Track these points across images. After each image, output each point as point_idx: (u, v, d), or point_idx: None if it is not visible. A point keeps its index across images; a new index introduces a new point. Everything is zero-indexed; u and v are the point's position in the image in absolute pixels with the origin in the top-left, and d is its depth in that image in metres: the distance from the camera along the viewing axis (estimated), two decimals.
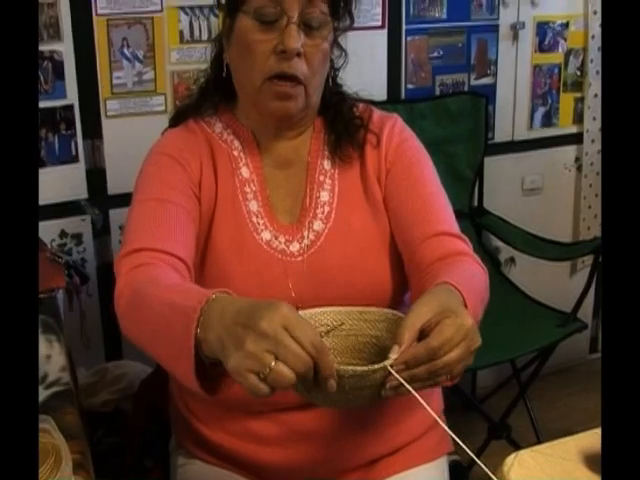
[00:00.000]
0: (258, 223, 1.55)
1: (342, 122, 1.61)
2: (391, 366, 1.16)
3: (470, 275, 1.43)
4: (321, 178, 1.59)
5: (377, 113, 1.66)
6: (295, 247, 1.55)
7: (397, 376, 1.16)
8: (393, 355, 1.17)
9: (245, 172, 1.58)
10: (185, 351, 1.16)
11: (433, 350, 1.17)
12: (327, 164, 1.60)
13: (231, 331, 1.10)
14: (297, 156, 1.61)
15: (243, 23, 1.49)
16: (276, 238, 1.55)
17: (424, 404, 1.16)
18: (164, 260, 1.39)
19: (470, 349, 1.21)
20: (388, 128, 1.61)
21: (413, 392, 1.17)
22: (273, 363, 1.05)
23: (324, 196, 1.58)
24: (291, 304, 1.12)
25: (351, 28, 1.60)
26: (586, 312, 3.21)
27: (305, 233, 1.56)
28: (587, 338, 3.49)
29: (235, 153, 1.60)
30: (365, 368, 1.15)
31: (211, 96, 1.63)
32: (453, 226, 1.55)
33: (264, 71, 1.47)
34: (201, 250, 1.54)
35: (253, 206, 1.56)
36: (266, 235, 1.55)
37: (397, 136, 1.61)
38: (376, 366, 1.16)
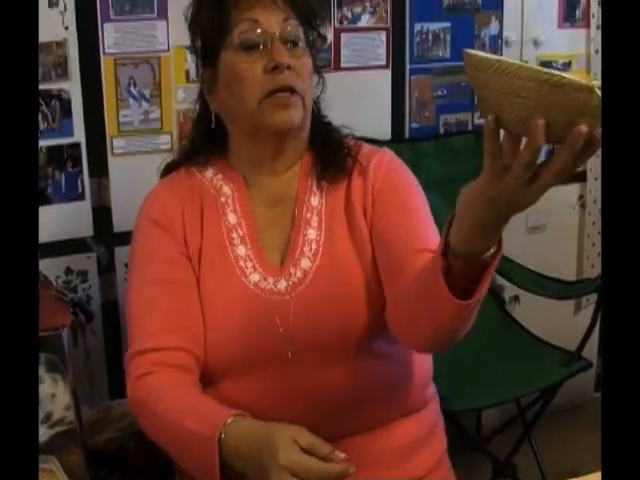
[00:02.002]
0: (246, 267, 1.58)
1: (330, 149, 1.64)
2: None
3: None
4: (308, 215, 1.61)
5: (366, 147, 1.68)
6: (282, 285, 1.57)
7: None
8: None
9: (232, 218, 1.61)
10: (210, 472, 1.31)
11: None
12: (314, 200, 1.62)
13: (250, 468, 1.27)
14: (286, 192, 1.63)
15: (228, 59, 1.54)
16: (265, 279, 1.57)
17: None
18: (170, 360, 1.50)
19: None
20: (377, 159, 1.63)
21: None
22: None
23: (311, 233, 1.60)
24: (279, 340, 1.33)
25: (324, 44, 1.66)
26: (591, 350, 3.19)
27: (292, 271, 1.57)
28: (592, 376, 3.47)
29: (222, 199, 1.63)
30: (571, 79, 1.02)
31: (202, 151, 1.67)
32: (436, 244, 1.54)
33: (260, 91, 1.51)
34: None
35: (241, 251, 1.59)
36: (254, 277, 1.57)
37: (385, 166, 1.63)
38: (583, 82, 1.02)
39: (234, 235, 1.60)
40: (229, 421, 1.32)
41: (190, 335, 1.52)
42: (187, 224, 1.60)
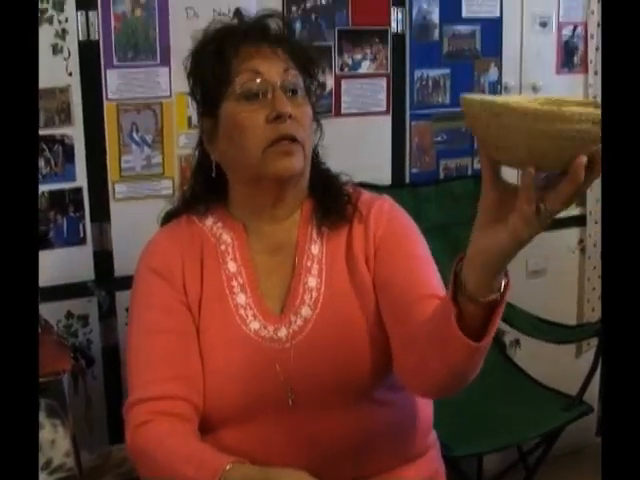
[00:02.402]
0: (247, 315, 1.58)
1: (330, 196, 1.64)
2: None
3: None
4: (309, 263, 1.61)
5: (366, 194, 1.69)
6: (283, 333, 1.57)
7: None
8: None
9: (232, 266, 1.61)
10: None
11: None
12: (315, 248, 1.62)
13: None
14: (286, 240, 1.63)
15: (229, 109, 1.55)
16: (265, 327, 1.57)
17: None
18: (170, 409, 1.49)
19: None
20: (377, 206, 1.64)
21: None
22: None
23: (311, 282, 1.60)
24: (279, 388, 1.36)
25: (322, 92, 1.69)
26: (592, 394, 3.18)
27: (293, 319, 1.57)
28: (594, 421, 3.45)
29: (222, 247, 1.63)
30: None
31: (202, 199, 1.68)
32: (440, 290, 1.54)
33: (263, 140, 1.52)
34: None
35: (241, 299, 1.59)
36: (255, 325, 1.57)
37: (386, 214, 1.63)
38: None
39: (234, 283, 1.60)
40: (228, 467, 1.31)
41: (189, 384, 1.52)
42: (187, 273, 1.60)
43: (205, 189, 1.67)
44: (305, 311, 1.57)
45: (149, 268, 1.63)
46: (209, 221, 1.66)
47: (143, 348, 1.57)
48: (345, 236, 1.63)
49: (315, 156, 1.66)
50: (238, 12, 1.67)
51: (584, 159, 1.04)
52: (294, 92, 1.56)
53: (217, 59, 1.57)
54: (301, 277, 1.60)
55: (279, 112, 1.51)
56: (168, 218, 1.72)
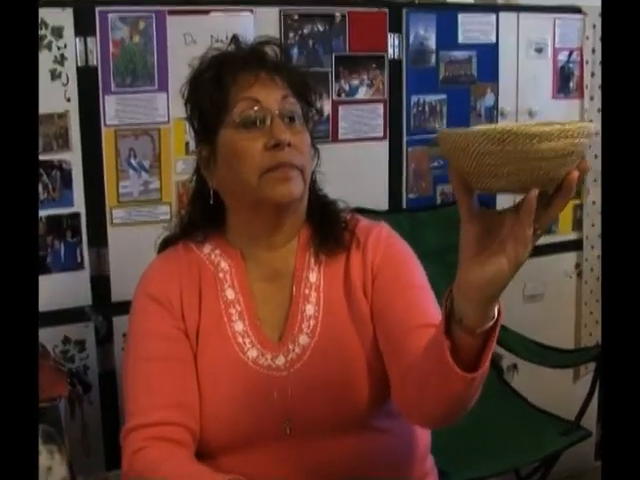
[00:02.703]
0: (244, 343, 1.58)
1: (327, 223, 1.65)
2: None
3: None
4: (307, 291, 1.61)
5: (363, 221, 1.69)
6: (281, 361, 1.57)
7: None
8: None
9: (230, 294, 1.61)
10: None
11: None
12: (312, 276, 1.62)
13: None
14: (284, 267, 1.63)
15: (227, 137, 1.56)
16: (262, 355, 1.57)
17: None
18: (167, 435, 1.48)
19: None
20: (374, 234, 1.64)
21: None
22: None
23: (309, 309, 1.60)
24: (277, 416, 1.35)
25: (320, 119, 1.69)
26: (590, 419, 3.18)
27: (291, 347, 1.57)
28: (592, 445, 3.45)
29: (220, 275, 1.63)
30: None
31: (199, 227, 1.68)
32: (436, 319, 1.54)
33: (260, 168, 1.52)
34: None
35: (239, 326, 1.59)
36: (252, 353, 1.57)
37: (384, 241, 1.64)
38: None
39: (232, 311, 1.60)
40: None
41: (186, 411, 1.52)
42: (185, 301, 1.60)
43: (203, 216, 1.67)
44: (303, 339, 1.57)
45: (147, 295, 1.62)
46: (207, 248, 1.66)
47: (140, 375, 1.56)
48: (343, 263, 1.63)
49: (312, 182, 1.67)
50: (235, 39, 1.67)
51: (577, 173, 1.07)
52: (292, 119, 1.56)
53: (215, 86, 1.57)
54: (299, 305, 1.60)
55: (277, 140, 1.51)
56: (165, 245, 1.73)
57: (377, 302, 1.58)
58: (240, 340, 1.57)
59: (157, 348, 1.57)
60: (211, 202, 1.63)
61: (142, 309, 1.63)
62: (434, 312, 1.53)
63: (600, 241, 3.30)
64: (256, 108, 1.54)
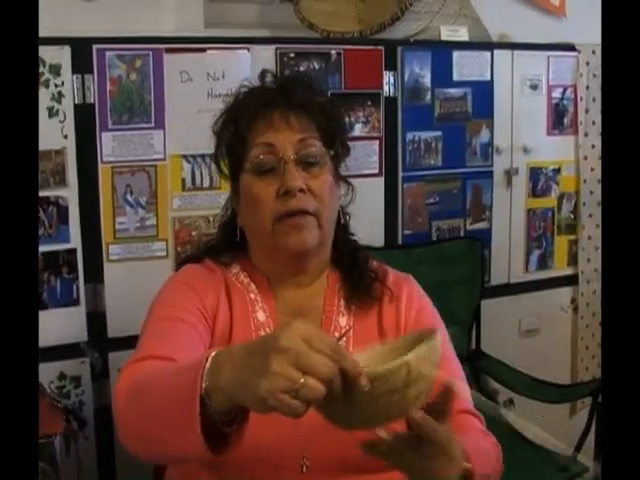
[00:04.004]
0: None
1: (357, 272, 1.63)
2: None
3: (481, 445, 1.43)
4: (336, 334, 1.58)
5: (391, 271, 1.68)
6: None
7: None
8: (413, 354, 1.13)
9: (261, 316, 1.58)
10: (191, 407, 1.13)
11: None
12: (342, 320, 1.60)
13: (247, 364, 1.09)
14: (312, 307, 1.61)
15: (245, 181, 1.55)
16: None
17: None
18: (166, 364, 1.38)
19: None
20: (407, 290, 1.63)
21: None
22: (302, 379, 1.04)
23: None
24: (293, 451, 1.28)
25: (348, 155, 1.65)
26: (587, 454, 3.17)
27: None
28: None
29: (252, 296, 1.60)
30: (387, 366, 1.11)
31: (225, 252, 1.65)
32: (468, 402, 1.55)
33: (272, 215, 1.50)
34: None
35: None
36: None
37: (416, 301, 1.63)
38: (398, 362, 1.12)
39: (262, 333, 1.56)
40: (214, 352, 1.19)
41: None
42: (220, 309, 1.56)
43: (229, 244, 1.65)
44: None
45: (182, 282, 1.58)
46: (235, 269, 1.63)
47: (156, 328, 1.49)
48: (375, 314, 1.61)
49: (343, 219, 1.65)
50: (263, 74, 1.63)
51: (419, 413, 1.17)
52: (310, 163, 1.53)
53: (234, 133, 1.57)
54: None
55: (288, 187, 1.49)
56: (185, 262, 1.69)
57: None
58: None
59: (178, 312, 1.50)
60: (237, 239, 1.61)
61: (174, 288, 1.58)
62: (464, 391, 1.53)
63: (596, 276, 3.31)
64: (269, 156, 1.51)
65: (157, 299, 1.58)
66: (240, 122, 1.56)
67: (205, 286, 1.57)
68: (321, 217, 1.53)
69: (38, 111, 2.30)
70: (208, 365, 1.14)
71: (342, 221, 1.65)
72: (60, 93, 2.37)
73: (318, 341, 1.07)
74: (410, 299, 1.62)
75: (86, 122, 2.42)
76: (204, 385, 1.13)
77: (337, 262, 1.65)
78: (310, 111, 1.56)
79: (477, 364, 2.98)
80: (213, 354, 1.15)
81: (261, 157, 1.52)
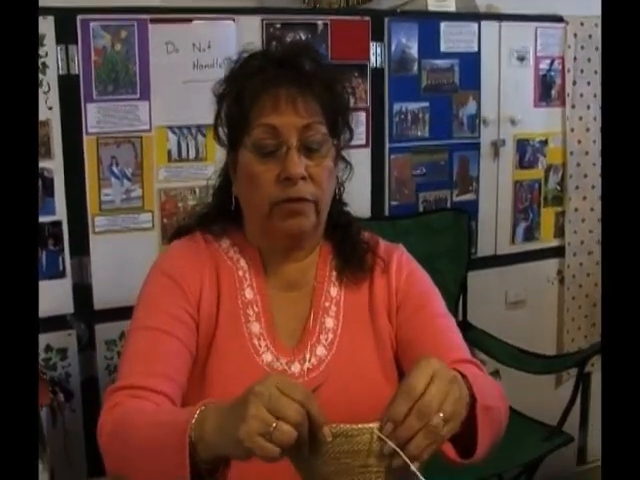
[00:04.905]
0: (260, 345, 1.55)
1: (350, 244, 1.63)
2: (379, 430, 1.17)
3: (480, 379, 1.42)
4: (326, 304, 1.60)
5: (382, 242, 1.69)
6: (296, 368, 1.55)
7: (385, 439, 1.16)
8: (378, 423, 1.17)
9: (249, 293, 1.59)
10: (181, 464, 1.18)
11: (410, 387, 1.18)
12: (333, 290, 1.62)
13: (230, 413, 1.17)
14: (303, 279, 1.62)
15: (245, 157, 1.52)
16: (277, 359, 1.55)
17: (415, 470, 1.17)
18: (149, 397, 1.41)
19: (455, 395, 1.20)
20: (396, 258, 1.64)
21: (403, 456, 1.16)
22: (274, 423, 1.11)
23: (329, 322, 1.59)
24: None
25: (351, 139, 1.65)
26: (572, 424, 3.19)
27: (307, 356, 1.56)
28: (574, 450, 3.46)
29: (240, 273, 1.60)
30: (351, 426, 1.17)
31: (217, 220, 1.65)
32: (465, 352, 1.57)
33: (271, 199, 1.49)
34: (200, 369, 1.54)
35: (255, 328, 1.57)
36: (267, 356, 1.55)
37: (406, 267, 1.64)
38: (362, 425, 1.17)
39: (250, 311, 1.57)
40: (207, 405, 1.25)
41: (175, 387, 1.46)
42: (204, 294, 1.56)
43: (222, 212, 1.64)
44: (320, 350, 1.56)
45: (164, 272, 1.58)
46: (225, 243, 1.63)
47: (138, 342, 1.51)
48: (367, 284, 1.63)
49: (338, 195, 1.65)
50: (269, 42, 1.61)
51: None
52: (313, 149, 1.51)
53: (236, 106, 1.53)
54: (318, 317, 1.59)
55: (289, 174, 1.47)
56: (178, 233, 1.69)
57: (404, 334, 1.59)
58: (255, 342, 1.55)
59: (161, 321, 1.51)
60: (232, 207, 1.60)
61: (156, 284, 1.58)
62: (457, 344, 1.56)
63: (582, 248, 3.32)
64: (272, 140, 1.48)
65: (142, 296, 1.59)
66: (244, 97, 1.52)
67: (187, 273, 1.57)
68: (319, 203, 1.52)
69: (38, 80, 2.31)
70: (195, 417, 1.21)
71: (337, 196, 1.65)
72: (44, 64, 2.34)
73: (290, 388, 1.14)
74: (400, 265, 1.64)
75: (70, 93, 2.40)
76: (192, 435, 1.20)
77: (330, 234, 1.65)
78: (317, 90, 1.52)
79: (464, 335, 2.97)
80: (199, 411, 1.22)
81: (263, 139, 1.49)
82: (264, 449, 1.12)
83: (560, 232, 3.31)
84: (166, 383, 1.44)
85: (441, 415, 1.17)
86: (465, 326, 3.00)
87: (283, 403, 1.12)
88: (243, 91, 1.53)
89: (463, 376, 1.28)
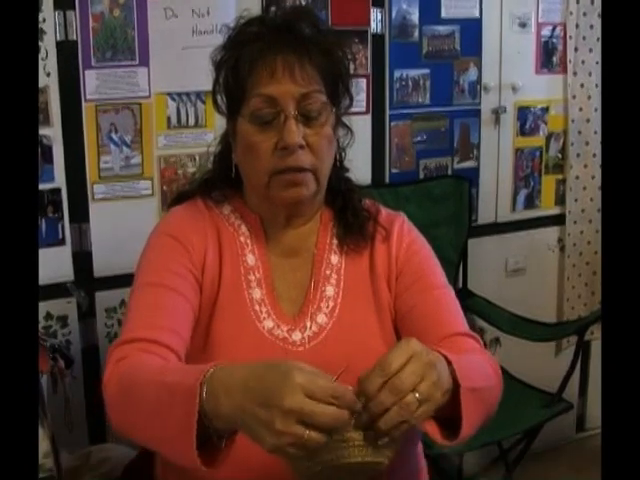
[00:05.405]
0: (261, 311, 1.55)
1: (351, 212, 1.62)
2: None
3: (468, 356, 1.42)
4: (327, 272, 1.60)
5: (383, 209, 1.68)
6: (297, 336, 1.55)
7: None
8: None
9: (251, 259, 1.59)
10: (187, 429, 1.17)
11: (385, 363, 1.18)
12: (334, 258, 1.61)
13: (249, 410, 1.12)
14: (304, 246, 1.62)
15: (243, 126, 1.51)
16: (278, 327, 1.55)
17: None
18: (155, 350, 1.39)
19: (432, 379, 1.19)
20: (397, 227, 1.63)
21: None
22: (306, 434, 1.09)
23: (329, 290, 1.58)
24: None
25: (351, 106, 1.62)
26: (572, 392, 3.21)
27: (308, 324, 1.56)
28: (573, 417, 3.48)
29: (242, 239, 1.60)
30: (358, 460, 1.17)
31: (218, 186, 1.64)
32: (464, 325, 1.56)
33: (269, 168, 1.48)
34: (203, 334, 1.54)
35: (256, 294, 1.56)
36: (268, 323, 1.54)
37: (407, 236, 1.63)
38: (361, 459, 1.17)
39: (251, 277, 1.57)
40: (217, 367, 1.22)
41: (179, 339, 1.45)
42: (208, 258, 1.56)
43: (223, 178, 1.63)
44: (321, 318, 1.56)
45: (167, 234, 1.57)
46: (226, 209, 1.63)
47: (142, 297, 1.50)
48: (367, 252, 1.62)
49: (339, 161, 1.63)
50: (268, 6, 1.58)
51: None
52: (313, 117, 1.48)
53: (233, 75, 1.51)
54: (319, 285, 1.58)
55: (286, 144, 1.45)
56: (179, 199, 1.68)
57: (403, 303, 1.58)
58: (257, 308, 1.55)
59: (165, 278, 1.50)
60: (232, 175, 1.59)
61: (159, 245, 1.57)
62: (459, 318, 1.56)
63: (583, 216, 3.31)
64: (271, 109, 1.46)
65: (144, 255, 1.57)
66: (240, 65, 1.49)
67: (191, 235, 1.56)
68: (318, 172, 1.51)
69: (38, 45, 2.29)
70: (204, 393, 1.17)
71: (338, 163, 1.63)
72: (42, 30, 2.32)
73: (319, 393, 1.11)
74: (401, 234, 1.63)
75: (69, 59, 2.38)
76: (202, 407, 1.17)
77: (331, 201, 1.64)
78: (315, 57, 1.49)
79: (464, 303, 2.97)
80: (207, 374, 1.19)
81: (261, 109, 1.47)
82: (293, 456, 1.12)
83: (561, 200, 3.31)
84: (172, 337, 1.43)
85: (417, 395, 1.16)
86: (465, 293, 3.01)
87: (315, 413, 1.10)
88: (240, 59, 1.50)
89: (448, 362, 1.27)
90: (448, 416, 1.29)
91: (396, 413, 1.16)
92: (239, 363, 1.21)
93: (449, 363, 1.27)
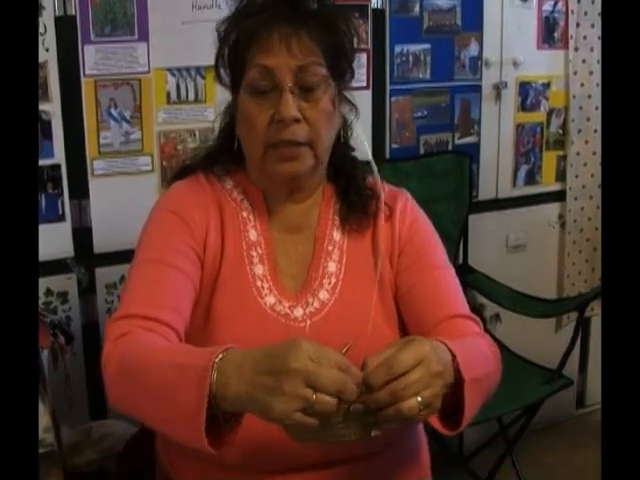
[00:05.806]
0: (262, 287, 1.55)
1: (355, 191, 1.62)
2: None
3: (469, 343, 1.43)
4: (330, 248, 1.60)
5: (387, 186, 1.67)
6: (299, 312, 1.55)
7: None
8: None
9: (253, 235, 1.58)
10: (197, 411, 1.17)
11: (395, 362, 1.18)
12: (336, 234, 1.61)
13: (257, 382, 1.14)
14: (306, 222, 1.61)
15: (242, 98, 1.50)
16: (280, 302, 1.54)
17: None
18: (156, 329, 1.39)
19: (435, 391, 1.20)
20: (401, 205, 1.63)
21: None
22: (314, 396, 1.11)
23: (331, 267, 1.58)
24: None
25: (352, 81, 1.61)
26: (572, 368, 3.22)
27: (310, 300, 1.56)
28: (573, 394, 3.49)
29: (244, 214, 1.60)
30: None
31: (221, 160, 1.64)
32: (464, 307, 1.57)
33: (265, 141, 1.48)
34: (204, 310, 1.54)
35: (258, 270, 1.56)
36: (270, 299, 1.54)
37: (409, 214, 1.63)
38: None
39: (253, 253, 1.57)
40: (229, 349, 1.22)
41: (179, 317, 1.44)
42: (210, 229, 1.55)
43: (227, 152, 1.62)
44: (323, 295, 1.56)
45: (168, 209, 1.56)
46: (228, 184, 1.62)
47: (142, 273, 1.50)
48: (370, 230, 1.62)
49: (343, 137, 1.61)
50: None
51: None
52: (311, 89, 1.47)
53: (234, 46, 1.51)
54: (321, 261, 1.58)
55: (282, 116, 1.44)
56: (182, 172, 1.67)
57: (403, 282, 1.59)
58: (259, 284, 1.55)
59: (166, 253, 1.49)
60: (235, 148, 1.58)
61: (160, 220, 1.57)
62: (456, 298, 1.56)
63: (583, 192, 3.31)
64: (267, 81, 1.46)
65: (145, 230, 1.57)
66: (241, 37, 1.50)
67: (193, 211, 1.56)
68: (315, 146, 1.49)
69: (37, 20, 2.28)
70: (215, 375, 1.18)
71: (342, 139, 1.61)
72: (40, 5, 2.30)
73: (325, 358, 1.14)
74: (404, 211, 1.62)
75: (68, 35, 2.36)
76: (213, 390, 1.18)
77: (334, 177, 1.64)
78: (315, 30, 1.48)
79: (464, 279, 2.98)
80: (219, 357, 1.19)
81: (258, 80, 1.47)
82: (304, 422, 1.13)
83: (562, 176, 3.30)
84: (172, 315, 1.43)
85: (419, 399, 1.17)
86: (465, 269, 3.01)
87: (320, 375, 1.12)
88: (241, 31, 1.51)
89: (453, 355, 1.28)
90: (449, 409, 1.30)
91: (393, 412, 1.18)
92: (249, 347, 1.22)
93: (453, 357, 1.28)
